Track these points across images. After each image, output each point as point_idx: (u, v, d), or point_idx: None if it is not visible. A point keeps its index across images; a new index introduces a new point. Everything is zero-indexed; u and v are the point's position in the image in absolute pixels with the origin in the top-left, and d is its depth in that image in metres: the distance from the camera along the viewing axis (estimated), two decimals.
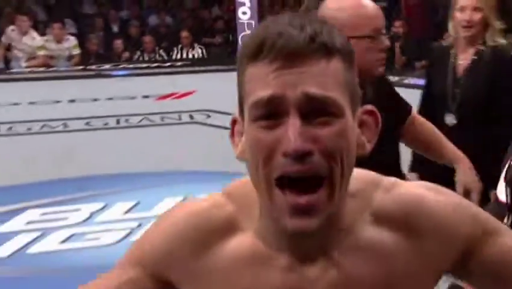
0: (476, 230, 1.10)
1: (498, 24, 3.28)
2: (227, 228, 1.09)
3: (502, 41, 3.29)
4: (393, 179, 1.16)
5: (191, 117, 9.24)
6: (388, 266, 1.06)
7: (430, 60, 4.20)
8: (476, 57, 3.25)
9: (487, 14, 3.23)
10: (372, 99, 2.43)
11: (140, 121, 9.43)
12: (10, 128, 8.87)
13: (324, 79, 0.96)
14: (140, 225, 5.57)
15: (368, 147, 1.04)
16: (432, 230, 1.08)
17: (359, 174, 1.08)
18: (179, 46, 14.14)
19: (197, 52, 13.92)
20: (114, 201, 6.12)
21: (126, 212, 5.95)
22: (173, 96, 10.75)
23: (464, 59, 3.20)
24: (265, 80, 0.96)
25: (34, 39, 12.74)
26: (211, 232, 1.09)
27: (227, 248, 1.08)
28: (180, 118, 9.42)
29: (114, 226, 5.65)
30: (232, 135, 1.09)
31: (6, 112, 9.60)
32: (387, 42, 2.56)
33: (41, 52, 12.70)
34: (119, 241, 5.31)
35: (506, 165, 1.58)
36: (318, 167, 0.93)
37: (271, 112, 0.95)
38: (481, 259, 1.11)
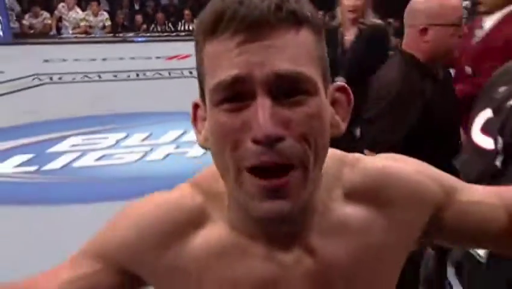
0: (440, 192, 0.86)
1: (370, 11, 3.20)
2: (197, 219, 0.81)
3: (378, 21, 3.23)
4: (356, 154, 0.89)
5: (190, 72, 8.92)
6: (364, 241, 0.81)
7: None
8: (358, 34, 3.17)
9: (365, 1, 3.13)
10: (444, 79, 2.34)
11: (154, 75, 9.33)
12: (60, 78, 8.75)
13: (295, 51, 0.68)
14: (151, 149, 5.62)
15: (343, 126, 0.77)
16: (402, 198, 0.83)
17: None
18: (183, 21, 13.90)
19: None
20: (133, 132, 6.11)
21: (142, 140, 5.93)
22: (178, 57, 10.58)
23: (349, 35, 3.12)
24: (227, 58, 0.67)
25: (77, 13, 12.55)
26: (180, 224, 0.80)
27: (198, 240, 0.80)
28: (182, 73, 9.29)
29: (133, 150, 5.64)
30: (195, 120, 0.80)
31: (57, 66, 9.43)
32: (465, 30, 2.28)
33: (83, 23, 12.52)
34: (137, 160, 5.34)
35: (483, 117, 1.34)
36: (290, 153, 0.66)
37: (236, 94, 0.67)
38: (447, 218, 0.86)
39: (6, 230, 3.76)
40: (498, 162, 1.18)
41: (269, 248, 0.79)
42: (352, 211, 0.82)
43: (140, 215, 0.83)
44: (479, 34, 3.11)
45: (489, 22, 3.09)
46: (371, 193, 0.83)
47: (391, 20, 12.24)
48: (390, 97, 2.12)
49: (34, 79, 8.60)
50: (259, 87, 0.66)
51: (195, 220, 0.81)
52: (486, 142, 1.26)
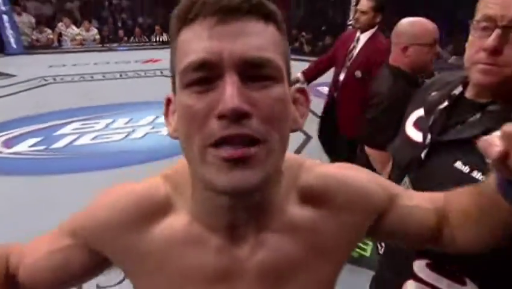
0: (385, 199, 0.74)
1: None
2: (163, 209, 0.67)
3: None
4: (314, 160, 0.76)
5: (161, 72, 8.83)
6: (313, 241, 0.69)
7: None
8: None
9: None
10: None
11: (133, 75, 8.99)
12: (62, 78, 8.36)
13: (264, 40, 0.55)
14: (133, 130, 5.49)
15: (301, 122, 0.64)
16: (353, 203, 0.71)
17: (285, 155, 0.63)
18: (155, 34, 13.41)
19: (165, 37, 13.17)
20: (118, 118, 5.92)
21: (125, 123, 5.77)
22: (151, 61, 10.25)
23: None
24: (198, 42, 0.53)
25: (73, 30, 12.00)
26: (147, 212, 0.67)
27: (161, 229, 0.66)
28: (155, 73, 9.00)
29: (119, 131, 5.48)
30: (166, 114, 0.66)
31: (59, 70, 9.02)
32: (439, 49, 2.10)
33: (78, 37, 11.94)
34: (122, 139, 5.21)
35: (416, 115, 1.23)
36: (256, 129, 0.53)
37: (204, 76, 0.53)
38: (388, 221, 0.74)
39: (22, 195, 3.68)
40: (422, 154, 1.09)
41: (225, 241, 0.65)
42: (305, 212, 0.69)
43: (111, 200, 0.69)
44: (358, 45, 3.11)
45: (363, 38, 3.09)
46: (325, 197, 0.70)
47: (303, 33, 12.43)
48: (382, 106, 2.01)
49: (41, 80, 8.22)
50: (227, 69, 0.52)
51: (161, 209, 0.67)
52: (416, 135, 1.17)
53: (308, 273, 0.69)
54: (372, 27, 3.04)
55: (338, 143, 3.52)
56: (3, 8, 9.02)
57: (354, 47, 3.13)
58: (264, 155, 0.54)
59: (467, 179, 0.96)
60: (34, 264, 0.70)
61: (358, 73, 3.05)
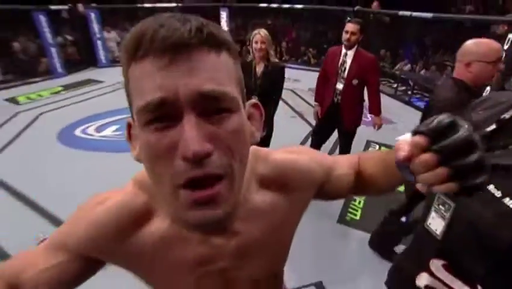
0: (324, 174, 0.69)
1: (272, 53, 2.79)
2: (145, 216, 0.58)
3: (276, 60, 2.82)
4: (266, 149, 0.67)
5: None
6: (272, 220, 0.63)
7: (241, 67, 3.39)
8: (264, 68, 2.75)
9: (267, 46, 2.74)
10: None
11: None
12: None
13: (218, 73, 0.43)
14: None
15: (257, 135, 0.55)
16: (302, 183, 0.65)
17: None
18: None
19: None
20: None
21: None
22: None
23: (259, 68, 2.75)
24: (151, 80, 0.42)
25: None
26: (130, 221, 0.57)
27: (148, 232, 0.58)
28: None
29: None
30: (129, 138, 0.55)
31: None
32: (502, 66, 1.78)
33: None
34: None
35: None
36: (217, 167, 0.44)
37: (163, 114, 0.43)
38: (325, 189, 0.70)
39: (109, 166, 3.76)
40: None
41: (203, 235, 0.59)
42: (264, 198, 0.63)
43: (96, 214, 0.58)
44: (348, 60, 2.99)
45: (350, 53, 2.98)
46: (279, 182, 0.64)
47: (310, 49, 12.17)
48: (446, 110, 1.71)
49: (120, 85, 8.19)
50: (185, 107, 0.42)
51: (143, 217, 0.58)
52: None
53: (270, 243, 0.65)
54: (356, 44, 2.99)
55: (325, 136, 3.46)
56: (98, 36, 9.17)
57: (344, 61, 3.08)
58: (227, 189, 0.47)
59: (497, 203, 0.78)
60: (33, 278, 0.58)
61: (355, 81, 3.01)
